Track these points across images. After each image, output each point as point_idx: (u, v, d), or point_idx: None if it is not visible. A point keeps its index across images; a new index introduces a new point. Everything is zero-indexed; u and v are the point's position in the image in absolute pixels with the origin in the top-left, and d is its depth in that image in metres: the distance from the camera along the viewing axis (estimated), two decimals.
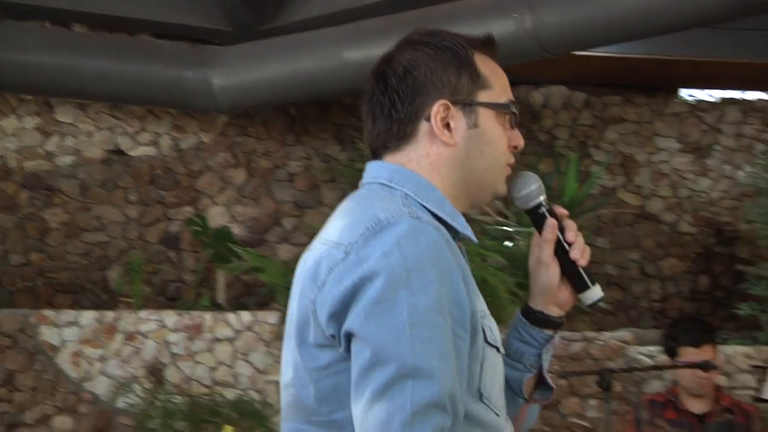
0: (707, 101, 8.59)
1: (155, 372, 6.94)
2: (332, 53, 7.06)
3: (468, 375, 1.89)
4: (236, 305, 7.63)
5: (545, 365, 2.17)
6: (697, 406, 5.38)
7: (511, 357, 2.12)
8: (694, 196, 8.38)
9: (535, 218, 2.14)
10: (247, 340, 7.00)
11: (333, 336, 1.85)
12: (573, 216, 7.48)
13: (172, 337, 6.98)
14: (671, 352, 5.43)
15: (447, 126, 1.99)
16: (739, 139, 8.28)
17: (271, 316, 7.00)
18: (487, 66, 2.05)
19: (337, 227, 1.93)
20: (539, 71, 8.28)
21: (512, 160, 2.08)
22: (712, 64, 7.95)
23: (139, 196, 8.14)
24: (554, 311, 2.15)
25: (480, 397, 1.93)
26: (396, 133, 2.01)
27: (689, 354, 5.30)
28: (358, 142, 7.69)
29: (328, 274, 1.86)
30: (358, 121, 7.27)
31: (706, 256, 8.73)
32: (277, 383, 6.96)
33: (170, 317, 7.02)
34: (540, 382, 2.20)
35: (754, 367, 6.80)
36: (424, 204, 1.96)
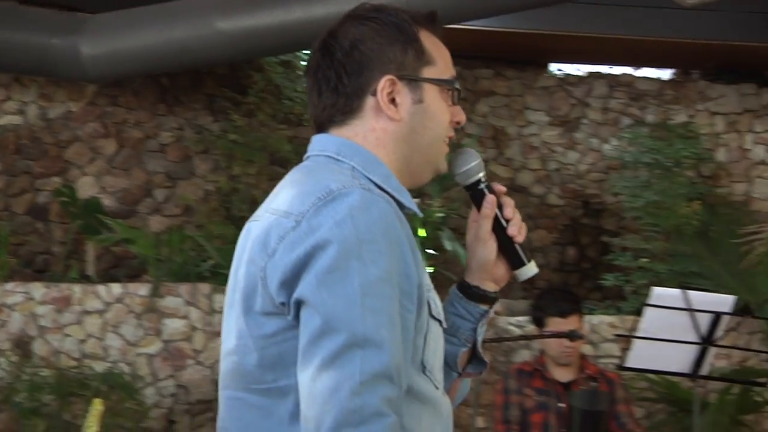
0: (575, 75, 8.73)
1: (22, 345, 6.81)
2: (205, 23, 6.97)
3: (412, 347, 1.90)
4: (106, 277, 7.53)
5: (479, 340, 2.18)
6: (563, 375, 5.49)
7: (446, 331, 2.10)
8: (563, 169, 8.52)
9: (474, 194, 2.14)
10: (117, 313, 6.91)
11: (283, 303, 1.85)
12: (446, 189, 7.54)
13: (40, 310, 6.86)
14: (539, 323, 5.51)
15: (393, 101, 2.01)
16: (606, 112, 8.44)
17: (141, 288, 6.93)
18: (431, 42, 2.06)
19: (286, 197, 1.93)
20: None
21: (452, 135, 2.09)
22: (581, 38, 8.07)
23: (4, 167, 7.95)
24: (490, 286, 2.16)
25: (423, 369, 1.95)
26: (342, 107, 2.01)
27: (556, 324, 5.39)
28: (231, 113, 7.64)
29: (278, 242, 1.87)
30: (230, 91, 7.19)
31: (574, 227, 8.90)
32: (147, 355, 6.92)
33: (38, 289, 6.89)
34: (473, 357, 2.21)
35: (618, 336, 6.97)
36: (371, 177, 1.97)
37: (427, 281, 1.98)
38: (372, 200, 1.87)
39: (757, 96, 8.20)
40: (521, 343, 7.32)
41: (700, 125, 8.13)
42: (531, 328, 7.26)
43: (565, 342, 5.36)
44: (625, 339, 5.52)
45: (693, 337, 5.32)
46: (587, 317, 6.40)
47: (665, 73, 8.77)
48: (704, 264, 7.91)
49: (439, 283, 8.16)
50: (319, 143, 2.05)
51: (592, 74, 8.73)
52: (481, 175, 2.14)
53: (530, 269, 2.14)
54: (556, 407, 5.42)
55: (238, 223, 7.64)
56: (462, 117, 2.10)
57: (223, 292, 6.85)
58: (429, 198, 8.10)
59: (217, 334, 6.93)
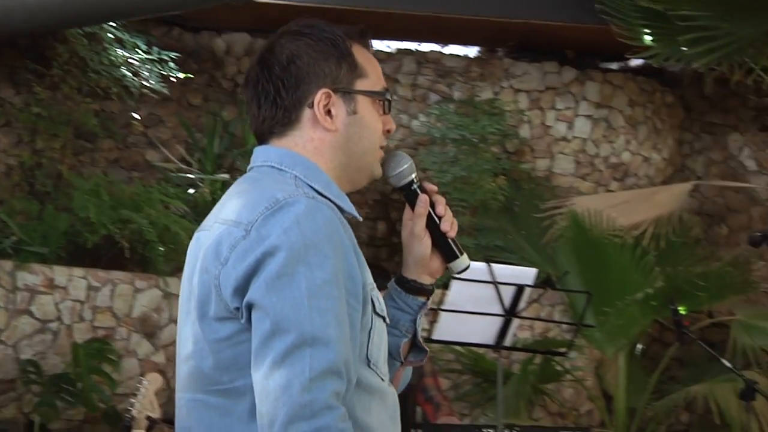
0: (384, 52, 8.80)
1: None
2: None
3: (358, 343, 2.02)
4: None
5: (419, 330, 2.28)
6: None
7: (388, 324, 2.20)
8: None
9: (408, 194, 2.25)
10: None
11: (237, 309, 1.97)
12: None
13: None
14: None
15: (329, 113, 2.12)
16: (415, 89, 8.53)
17: None
18: (363, 56, 2.18)
19: (233, 207, 2.04)
20: (222, 18, 8.25)
21: (385, 143, 2.21)
22: (387, 15, 8.12)
23: None
24: (426, 279, 2.28)
25: (368, 363, 2.06)
26: (281, 119, 2.13)
27: None
28: (35, 85, 7.42)
29: (230, 251, 1.98)
30: (33, 63, 6.98)
31: (384, 203, 8.98)
32: None
33: None
34: (413, 346, 2.31)
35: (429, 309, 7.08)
36: (313, 185, 2.08)
37: (370, 280, 2.11)
38: (316, 208, 1.99)
39: (558, 74, 8.43)
40: None
41: (504, 102, 8.31)
42: None
43: None
44: (432, 312, 5.61)
45: (497, 309, 5.44)
46: None
47: (471, 51, 8.92)
48: (508, 238, 8.11)
49: None
50: (262, 154, 2.17)
51: (400, 51, 8.81)
52: (413, 176, 2.24)
53: (463, 261, 2.26)
54: None
55: (42, 198, 7.47)
56: (392, 125, 2.22)
57: (26, 269, 6.70)
58: (240, 173, 8.06)
59: (22, 312, 6.76)
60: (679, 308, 5.58)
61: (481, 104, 8.23)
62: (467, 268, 2.27)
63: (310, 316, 1.92)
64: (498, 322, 5.48)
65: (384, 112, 2.20)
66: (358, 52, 2.17)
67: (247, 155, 7.94)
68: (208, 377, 2.02)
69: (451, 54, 8.81)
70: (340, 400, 1.92)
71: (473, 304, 5.41)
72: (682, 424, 8.02)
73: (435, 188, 2.27)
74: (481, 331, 5.51)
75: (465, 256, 2.27)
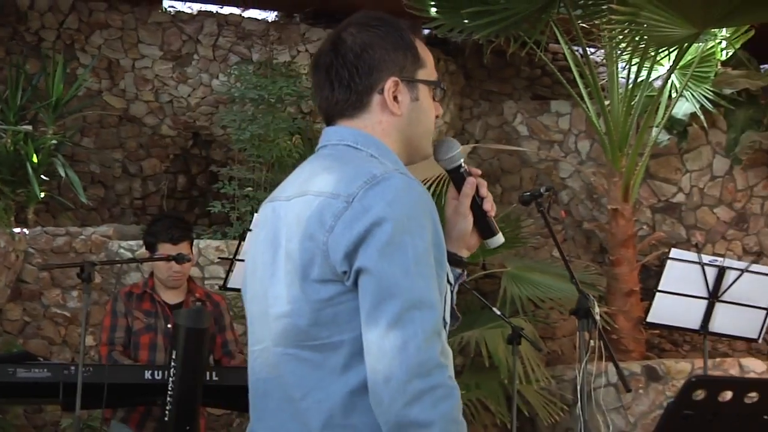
0: (187, 13, 8.67)
1: None
2: None
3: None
4: None
5: (454, 298, 2.36)
6: (171, 297, 5.48)
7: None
8: (174, 101, 8.47)
9: (456, 177, 2.38)
10: None
11: (344, 272, 2.06)
12: (60, 116, 7.29)
13: None
14: (151, 248, 5.48)
15: (395, 98, 2.24)
16: (216, 50, 8.45)
17: None
18: (422, 48, 2.30)
19: (326, 180, 2.14)
20: None
21: (434, 126, 2.33)
22: None
23: None
24: (464, 253, 2.40)
25: (444, 325, 2.17)
26: (354, 102, 2.23)
27: (168, 250, 5.38)
28: None
29: (335, 220, 2.07)
30: None
31: (184, 157, 8.89)
32: None
33: None
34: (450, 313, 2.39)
35: (223, 259, 7.06)
36: (385, 163, 2.18)
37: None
38: (411, 182, 2.12)
39: None
40: (132, 266, 7.26)
41: (301, 65, 8.31)
42: (142, 252, 7.23)
43: (174, 266, 5.37)
44: (230, 262, 5.60)
45: None
46: (195, 242, 6.45)
47: (270, 15, 8.88)
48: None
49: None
50: (335, 134, 2.26)
51: (202, 13, 8.70)
52: (461, 161, 2.38)
53: (499, 239, 2.41)
54: (164, 328, 5.42)
55: None
56: (440, 110, 2.35)
57: None
58: (43, 125, 7.82)
59: None
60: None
61: (279, 66, 8.21)
62: (502, 244, 2.42)
63: (416, 282, 2.03)
64: None
65: (434, 99, 2.31)
66: (419, 45, 2.29)
67: (50, 108, 7.67)
68: (305, 333, 2.11)
69: (250, 17, 8.75)
70: (446, 359, 2.04)
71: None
72: (456, 366, 8.24)
73: (479, 172, 2.39)
74: None
75: (500, 234, 2.41)
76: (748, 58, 8.25)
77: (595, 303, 4.78)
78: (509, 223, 7.85)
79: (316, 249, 2.09)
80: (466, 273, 2.43)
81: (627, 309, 7.73)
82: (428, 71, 2.31)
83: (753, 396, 1.89)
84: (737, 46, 7.91)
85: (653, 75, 7.69)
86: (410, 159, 2.32)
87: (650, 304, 6.17)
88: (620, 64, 7.71)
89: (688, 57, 7.70)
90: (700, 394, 1.89)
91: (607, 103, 7.65)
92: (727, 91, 7.95)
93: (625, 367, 6.75)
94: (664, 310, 6.11)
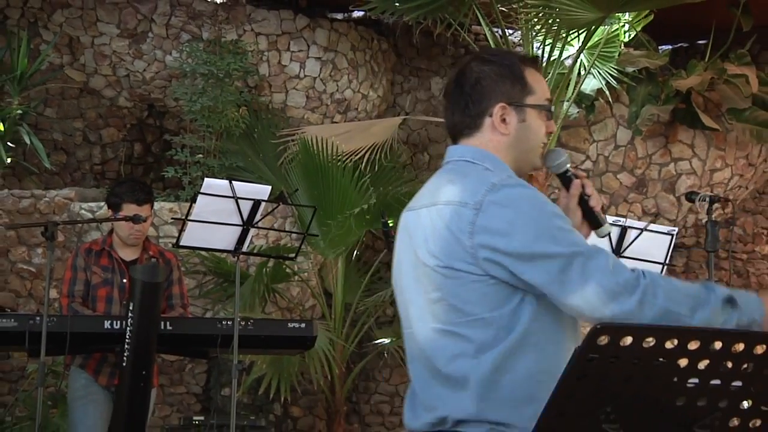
0: None
1: None
2: None
3: None
4: None
5: None
6: (127, 254, 5.44)
7: None
8: (131, 76, 8.34)
9: (564, 179, 2.55)
10: None
11: (487, 260, 2.25)
12: (25, 89, 7.14)
13: None
14: (116, 208, 5.41)
15: (503, 121, 2.43)
16: (169, 28, 8.31)
17: None
18: (533, 77, 2.47)
19: (452, 191, 2.34)
20: None
21: (546, 140, 2.50)
22: None
23: None
24: None
25: None
26: (469, 124, 2.45)
27: (132, 210, 5.33)
28: None
29: (471, 226, 2.26)
30: None
31: (140, 126, 8.78)
32: None
33: None
34: None
35: (176, 219, 7.00)
36: (498, 174, 2.35)
37: None
38: (524, 184, 2.32)
39: (293, 21, 8.39)
40: (92, 226, 7.17)
41: (247, 43, 8.22)
42: (101, 213, 7.15)
43: (135, 226, 5.32)
44: (182, 222, 5.55)
45: (237, 220, 5.44)
46: None
47: None
48: (249, 160, 8.09)
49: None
50: (456, 152, 2.48)
51: None
52: (568, 166, 2.55)
53: (606, 228, 2.56)
54: (120, 283, 5.38)
55: None
56: (553, 128, 2.53)
57: None
58: (9, 97, 7.67)
59: None
60: (389, 221, 5.73)
61: (227, 44, 8.12)
62: (609, 233, 2.59)
63: (570, 241, 2.25)
64: (237, 231, 5.48)
65: (547, 119, 2.48)
66: (529, 74, 2.46)
67: (15, 81, 7.51)
68: (460, 311, 2.28)
69: None
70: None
71: (217, 216, 5.38)
72: (387, 316, 8.29)
73: (584, 174, 2.57)
74: (223, 238, 5.50)
75: (607, 224, 2.56)
76: (647, 40, 8.32)
77: None
78: None
79: (457, 248, 2.28)
80: None
81: None
82: (537, 96, 2.46)
83: (650, 341, 1.92)
84: (638, 28, 7.99)
85: (564, 54, 7.73)
86: (520, 169, 2.47)
87: None
88: (535, 45, 7.74)
89: (595, 38, 7.75)
90: (603, 340, 1.91)
91: None
92: (630, 69, 8.02)
93: None
94: None
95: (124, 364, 5.04)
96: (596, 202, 2.54)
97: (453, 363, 2.28)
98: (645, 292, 2.19)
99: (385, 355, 8.22)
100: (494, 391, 2.25)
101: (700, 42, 8.89)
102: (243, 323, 5.38)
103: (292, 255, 6.28)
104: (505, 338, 2.25)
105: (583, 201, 2.53)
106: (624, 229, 5.97)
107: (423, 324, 2.35)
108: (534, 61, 2.55)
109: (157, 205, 7.17)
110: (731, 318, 2.22)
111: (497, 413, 2.25)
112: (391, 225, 5.86)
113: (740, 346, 1.98)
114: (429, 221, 2.36)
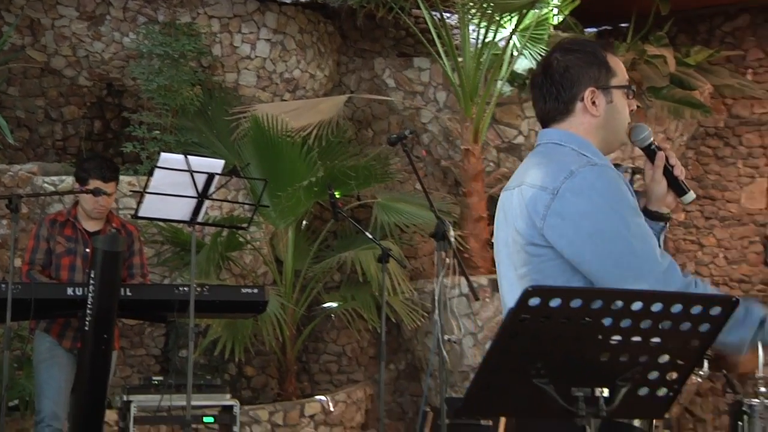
0: None
1: None
2: None
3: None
4: None
5: (660, 242, 2.55)
6: (91, 226, 5.39)
7: None
8: (90, 56, 8.20)
9: (648, 152, 2.56)
10: None
11: (555, 241, 2.35)
12: None
13: None
14: (82, 182, 5.35)
15: (593, 103, 2.49)
16: (126, 11, 8.18)
17: None
18: (613, 60, 2.52)
19: (537, 174, 2.42)
20: None
21: (630, 119, 2.54)
22: None
23: None
24: (664, 210, 2.59)
25: None
26: (562, 110, 2.50)
27: (97, 185, 5.28)
28: None
29: (546, 210, 2.35)
30: None
31: (100, 105, 8.65)
32: None
33: None
34: None
35: (134, 192, 6.92)
36: (585, 154, 2.43)
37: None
38: (601, 170, 2.38)
39: (244, 5, 8.30)
40: (55, 198, 7.07)
41: (200, 25, 8.11)
42: (64, 185, 7.05)
43: (100, 200, 5.28)
44: (140, 194, 5.49)
45: (192, 192, 5.40)
46: None
47: None
48: (203, 136, 8.02)
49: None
50: (546, 135, 2.53)
51: None
52: (651, 139, 2.56)
53: (690, 195, 2.57)
54: (83, 252, 5.33)
55: None
56: (634, 106, 2.56)
57: None
58: None
59: None
60: (336, 193, 5.72)
61: (181, 27, 8.00)
62: (694, 200, 2.60)
63: (632, 240, 2.32)
64: (193, 203, 5.44)
65: (629, 98, 2.52)
66: (610, 58, 2.51)
67: None
68: (537, 282, 2.34)
69: None
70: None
71: (173, 188, 5.34)
72: (334, 282, 8.28)
73: (667, 146, 2.59)
74: (180, 209, 5.46)
75: (691, 191, 2.57)
76: (575, 23, 8.37)
77: (450, 227, 4.84)
78: (379, 161, 7.88)
79: (534, 228, 2.37)
80: (668, 225, 2.63)
81: (476, 232, 7.87)
82: (619, 78, 2.52)
83: (577, 302, 1.94)
84: (566, 12, 8.03)
85: (498, 36, 7.75)
86: (609, 147, 2.52)
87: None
88: (471, 27, 7.75)
89: (526, 21, 7.78)
90: (535, 301, 1.92)
91: (460, 59, 7.70)
92: None
93: (475, 281, 6.86)
94: None
95: (86, 328, 5.00)
96: (680, 171, 2.57)
97: None
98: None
99: (333, 317, 8.22)
100: None
101: (622, 25, 8.96)
102: (199, 289, 5.36)
103: (245, 225, 6.25)
104: None
105: (668, 171, 2.55)
106: None
107: (512, 297, 2.38)
108: (611, 46, 2.60)
109: None
110: (763, 336, 2.36)
111: None
112: (337, 196, 5.86)
113: (659, 306, 2.01)
114: (517, 201, 2.44)
